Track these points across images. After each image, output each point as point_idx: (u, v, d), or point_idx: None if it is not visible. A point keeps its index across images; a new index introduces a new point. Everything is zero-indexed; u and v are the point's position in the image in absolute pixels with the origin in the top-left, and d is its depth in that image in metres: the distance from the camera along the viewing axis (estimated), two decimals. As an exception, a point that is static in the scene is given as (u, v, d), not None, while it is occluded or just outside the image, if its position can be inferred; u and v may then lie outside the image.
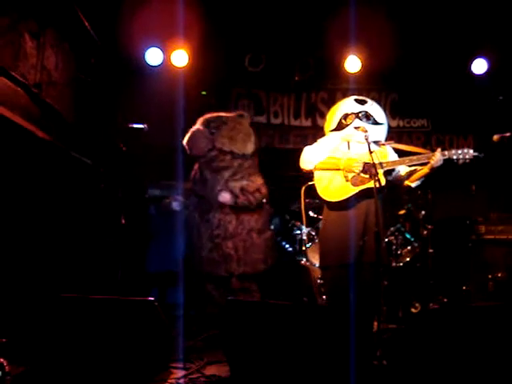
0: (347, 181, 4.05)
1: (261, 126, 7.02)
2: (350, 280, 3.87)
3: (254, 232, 5.34)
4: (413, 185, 4.23)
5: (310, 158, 4.23)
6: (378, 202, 3.71)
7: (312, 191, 4.32)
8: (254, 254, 5.28)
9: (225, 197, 5.26)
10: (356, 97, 4.32)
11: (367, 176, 3.97)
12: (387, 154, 4.19)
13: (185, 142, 5.42)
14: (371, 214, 3.93)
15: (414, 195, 5.85)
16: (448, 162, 3.93)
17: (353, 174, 4.04)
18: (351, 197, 4.03)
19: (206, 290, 5.23)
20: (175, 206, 5.45)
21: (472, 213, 6.06)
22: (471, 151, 3.89)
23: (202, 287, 5.25)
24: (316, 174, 4.21)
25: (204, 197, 5.33)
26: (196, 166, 5.50)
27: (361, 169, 3.99)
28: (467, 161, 3.88)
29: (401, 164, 4.09)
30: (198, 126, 5.43)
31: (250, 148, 5.41)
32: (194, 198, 5.42)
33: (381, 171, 3.92)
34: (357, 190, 4.02)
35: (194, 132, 5.39)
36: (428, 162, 3.97)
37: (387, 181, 4.02)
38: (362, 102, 4.24)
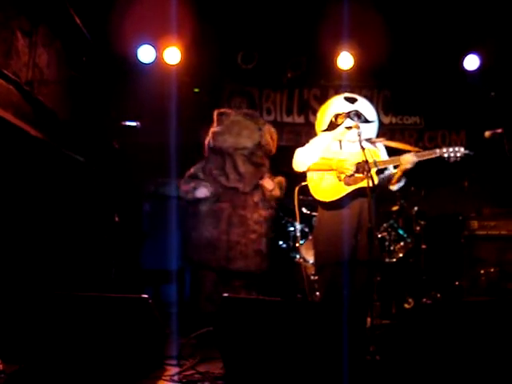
0: (340, 180, 4.05)
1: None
2: (344, 278, 3.88)
3: (271, 232, 5.46)
4: (394, 188, 4.20)
5: (303, 159, 4.20)
6: (371, 199, 3.70)
7: (306, 188, 4.32)
8: (268, 253, 5.38)
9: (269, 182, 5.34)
10: (346, 95, 4.29)
11: (360, 175, 3.96)
12: (379, 153, 4.17)
13: (221, 129, 5.36)
14: (364, 213, 3.92)
15: (406, 191, 5.87)
16: (439, 159, 3.91)
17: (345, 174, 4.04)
18: (344, 196, 4.02)
19: (205, 289, 5.21)
20: (199, 193, 5.34)
21: (465, 209, 6.08)
22: (462, 149, 3.84)
23: (202, 286, 5.24)
24: (308, 175, 4.20)
25: (238, 190, 5.31)
26: (217, 157, 5.41)
27: (353, 170, 3.98)
28: (458, 159, 3.85)
29: (393, 163, 4.07)
30: (238, 117, 5.44)
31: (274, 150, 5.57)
32: (218, 187, 5.33)
33: (373, 170, 3.91)
34: (350, 189, 4.01)
35: (238, 122, 5.39)
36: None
37: (378, 183, 4.00)
38: (352, 101, 4.21)
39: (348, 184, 4.02)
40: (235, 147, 5.29)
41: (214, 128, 5.38)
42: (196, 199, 5.28)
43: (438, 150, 3.87)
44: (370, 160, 3.80)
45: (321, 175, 4.13)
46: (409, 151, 3.98)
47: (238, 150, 5.30)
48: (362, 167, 3.87)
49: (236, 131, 5.30)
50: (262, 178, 5.39)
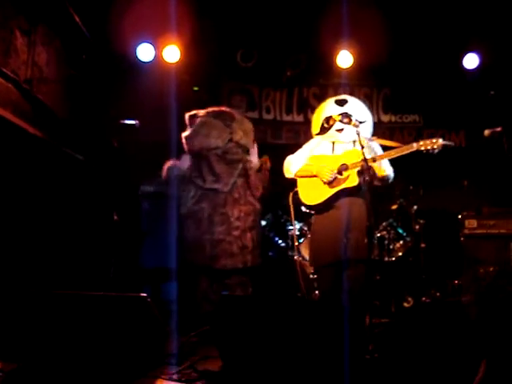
0: (325, 183, 4.13)
1: (253, 121, 7.00)
2: (339, 277, 3.91)
3: (259, 226, 5.42)
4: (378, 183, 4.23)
5: (288, 167, 4.41)
6: (367, 196, 3.73)
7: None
8: (258, 249, 5.33)
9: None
10: (336, 98, 4.36)
11: (342, 177, 4.05)
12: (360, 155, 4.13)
13: (190, 133, 5.30)
14: (354, 212, 4.01)
15: (405, 190, 5.87)
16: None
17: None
18: (329, 198, 4.11)
19: (200, 288, 5.20)
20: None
21: (464, 207, 6.08)
22: (440, 140, 3.75)
23: (197, 285, 5.23)
24: (298, 180, 4.35)
25: (217, 190, 5.27)
26: (193, 160, 5.38)
27: (332, 177, 4.06)
28: (435, 151, 3.74)
29: (387, 157, 4.03)
30: (205, 118, 5.33)
31: (252, 145, 5.47)
32: (197, 190, 5.30)
33: (354, 171, 3.96)
34: (334, 191, 4.10)
35: (205, 123, 5.29)
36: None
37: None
38: (342, 103, 4.27)
39: (332, 186, 4.10)
40: (207, 148, 5.25)
41: (185, 132, 5.36)
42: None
43: (414, 144, 3.82)
44: (368, 157, 3.83)
45: (308, 179, 4.25)
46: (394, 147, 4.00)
47: (210, 150, 5.26)
48: (345, 168, 4.01)
49: (204, 133, 5.24)
50: (245, 169, 5.35)
